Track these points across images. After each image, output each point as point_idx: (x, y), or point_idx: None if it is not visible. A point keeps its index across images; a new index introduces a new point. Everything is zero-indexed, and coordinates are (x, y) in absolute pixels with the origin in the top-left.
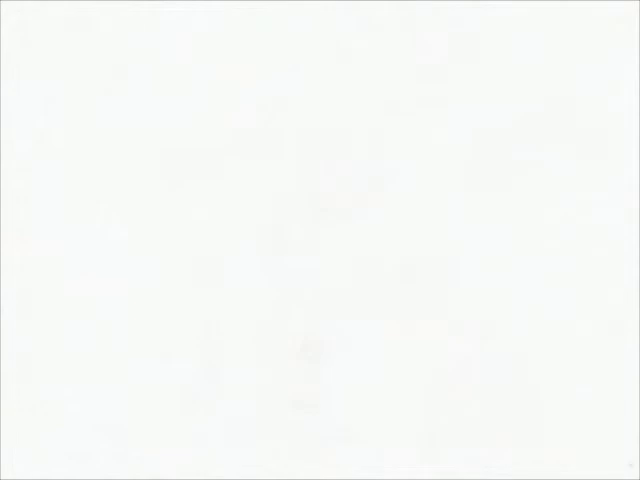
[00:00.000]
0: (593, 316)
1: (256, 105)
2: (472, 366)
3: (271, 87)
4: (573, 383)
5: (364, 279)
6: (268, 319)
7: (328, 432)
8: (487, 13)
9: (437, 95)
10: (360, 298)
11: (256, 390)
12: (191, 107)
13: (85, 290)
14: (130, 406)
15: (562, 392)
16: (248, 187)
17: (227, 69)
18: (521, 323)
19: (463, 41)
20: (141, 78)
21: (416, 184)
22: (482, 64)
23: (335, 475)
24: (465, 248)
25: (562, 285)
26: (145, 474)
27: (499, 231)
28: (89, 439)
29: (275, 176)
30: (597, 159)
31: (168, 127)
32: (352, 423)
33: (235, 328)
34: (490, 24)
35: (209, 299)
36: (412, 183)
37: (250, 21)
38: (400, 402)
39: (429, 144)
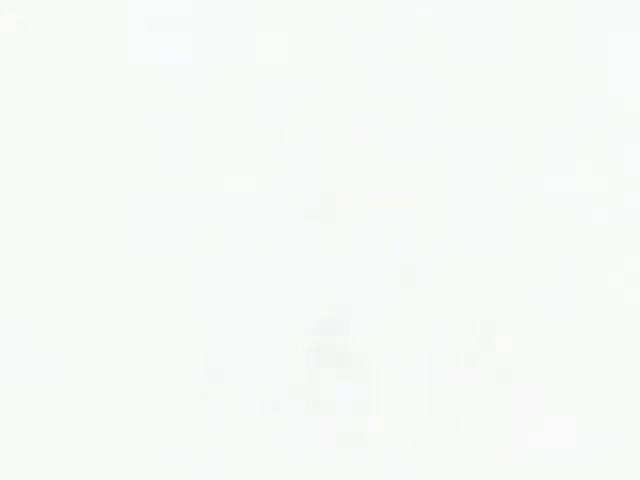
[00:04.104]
0: (593, 316)
1: (257, 105)
2: (473, 366)
3: (272, 87)
4: (574, 383)
5: (364, 279)
6: (269, 319)
7: (329, 432)
8: (487, 13)
9: (437, 95)
10: (360, 298)
11: (256, 390)
12: (192, 107)
13: (84, 291)
14: (130, 406)
15: (563, 392)
16: (248, 187)
17: (227, 69)
18: (521, 323)
19: (463, 40)
20: (141, 78)
21: (416, 184)
22: (482, 63)
23: (336, 475)
24: (465, 248)
25: (562, 283)
26: (145, 474)
27: (499, 231)
28: (89, 439)
29: (275, 176)
30: (596, 154)
31: (168, 127)
32: (353, 423)
33: (236, 328)
34: (490, 24)
35: (209, 299)
36: (412, 183)
37: (250, 21)
38: (400, 402)
39: (429, 144)
